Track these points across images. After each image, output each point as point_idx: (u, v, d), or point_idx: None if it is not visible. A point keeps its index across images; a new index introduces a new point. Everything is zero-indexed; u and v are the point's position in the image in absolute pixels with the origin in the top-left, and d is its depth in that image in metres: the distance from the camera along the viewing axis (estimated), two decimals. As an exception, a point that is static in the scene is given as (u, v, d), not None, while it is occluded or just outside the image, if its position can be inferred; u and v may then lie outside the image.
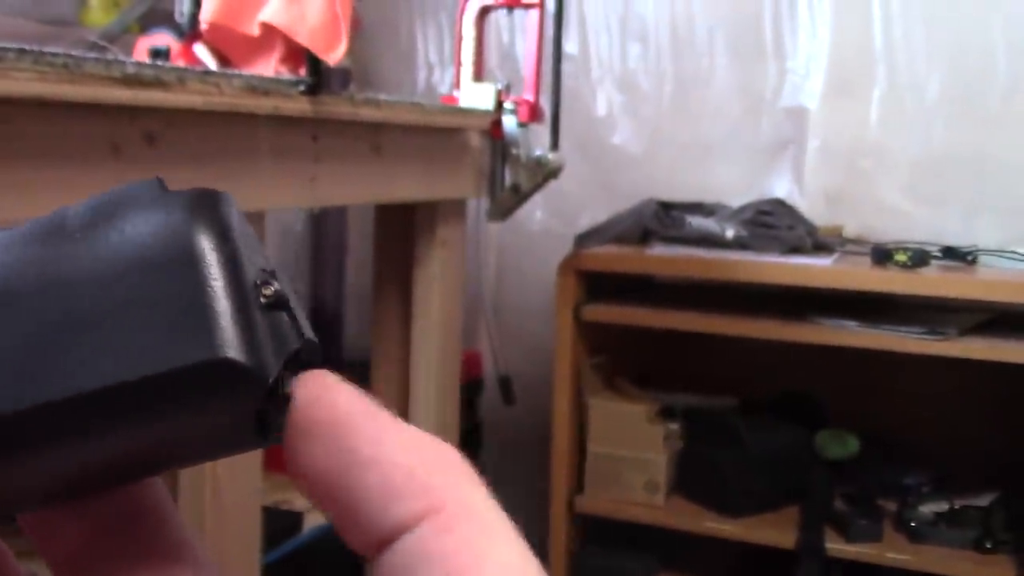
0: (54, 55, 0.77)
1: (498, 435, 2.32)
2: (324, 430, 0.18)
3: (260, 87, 0.97)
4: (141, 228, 0.17)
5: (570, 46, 2.23)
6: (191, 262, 0.16)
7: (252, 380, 0.16)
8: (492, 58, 2.28)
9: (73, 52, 0.81)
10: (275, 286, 0.17)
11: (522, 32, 2.27)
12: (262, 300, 0.17)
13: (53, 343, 0.16)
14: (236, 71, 1.01)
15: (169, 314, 0.16)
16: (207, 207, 0.17)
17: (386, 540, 0.18)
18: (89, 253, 0.17)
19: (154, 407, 0.16)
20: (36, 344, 0.16)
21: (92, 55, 0.82)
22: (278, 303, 0.17)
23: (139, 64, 0.84)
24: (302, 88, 1.02)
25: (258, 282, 0.17)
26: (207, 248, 0.16)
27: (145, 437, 0.17)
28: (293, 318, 0.17)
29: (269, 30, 1.07)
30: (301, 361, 0.18)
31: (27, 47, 0.75)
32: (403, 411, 1.47)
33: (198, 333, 0.16)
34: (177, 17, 1.22)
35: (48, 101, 0.78)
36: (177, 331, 0.16)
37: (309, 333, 0.18)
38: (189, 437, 0.18)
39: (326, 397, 0.18)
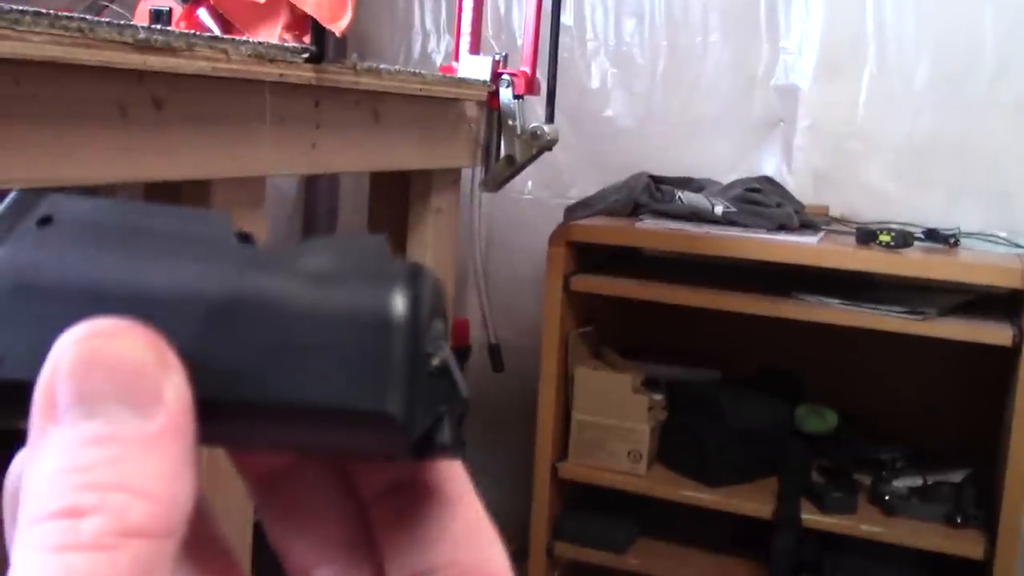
0: (69, 18, 0.78)
1: (485, 402, 2.35)
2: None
3: (267, 54, 0.98)
4: (362, 288, 0.22)
5: (565, 18, 2.24)
6: (387, 328, 0.21)
7: (401, 433, 0.21)
8: (489, 29, 2.29)
9: (84, 15, 0.82)
10: (443, 354, 0.22)
11: (519, 4, 2.28)
12: (430, 368, 0.22)
13: (265, 355, 0.21)
14: (243, 38, 1.02)
15: (359, 363, 0.21)
16: (413, 284, 0.22)
17: None
18: (313, 295, 0.22)
19: (326, 428, 0.22)
20: (251, 351, 0.21)
21: (104, 19, 0.83)
22: (442, 371, 0.22)
23: (150, 29, 0.86)
24: (306, 56, 1.04)
25: (430, 351, 0.22)
26: (400, 322, 0.21)
27: (309, 441, 0.23)
28: (453, 383, 0.23)
29: (274, -3, 1.09)
30: (454, 413, 0.23)
31: (42, 10, 0.76)
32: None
33: (375, 386, 0.21)
34: (181, -20, 1.23)
35: (61, 64, 0.79)
36: (360, 378, 0.21)
37: (464, 393, 0.23)
38: (346, 448, 0.24)
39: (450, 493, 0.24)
